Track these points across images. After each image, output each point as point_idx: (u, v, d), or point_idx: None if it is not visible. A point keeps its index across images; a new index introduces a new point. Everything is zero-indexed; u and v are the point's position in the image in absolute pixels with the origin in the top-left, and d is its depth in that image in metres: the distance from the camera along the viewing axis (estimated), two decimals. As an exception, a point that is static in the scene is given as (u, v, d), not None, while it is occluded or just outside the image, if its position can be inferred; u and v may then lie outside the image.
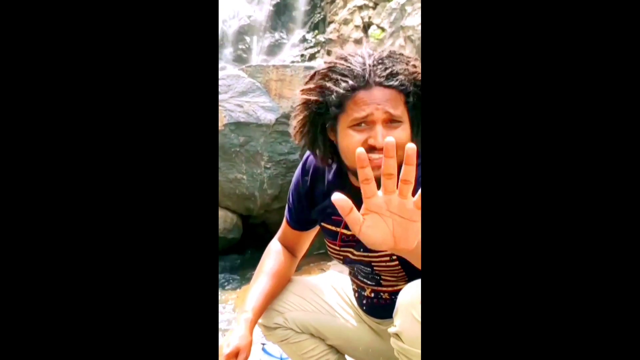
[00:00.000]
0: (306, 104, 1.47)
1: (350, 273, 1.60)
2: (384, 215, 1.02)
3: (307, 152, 1.60)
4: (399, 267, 1.41)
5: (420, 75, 1.39)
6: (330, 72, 1.45)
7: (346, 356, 1.67)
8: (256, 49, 11.72)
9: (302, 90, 1.50)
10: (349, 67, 1.42)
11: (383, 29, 10.19)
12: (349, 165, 1.43)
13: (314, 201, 1.57)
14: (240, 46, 11.66)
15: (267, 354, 2.12)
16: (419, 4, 9.81)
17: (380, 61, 1.42)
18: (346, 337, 1.62)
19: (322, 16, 11.66)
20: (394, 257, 1.39)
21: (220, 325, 2.90)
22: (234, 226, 3.91)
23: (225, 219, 3.79)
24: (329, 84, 1.43)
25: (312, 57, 11.10)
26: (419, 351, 1.24)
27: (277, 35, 11.63)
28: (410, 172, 0.97)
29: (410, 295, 1.29)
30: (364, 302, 1.58)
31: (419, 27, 9.54)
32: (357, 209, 1.41)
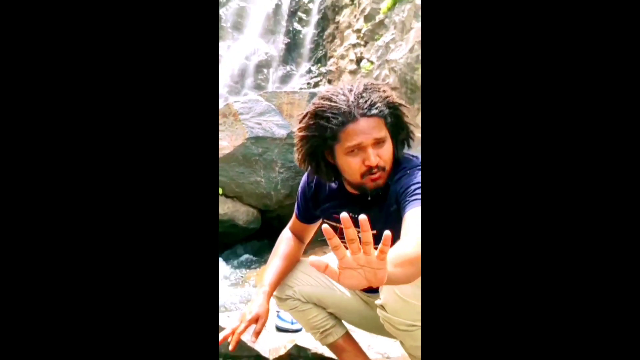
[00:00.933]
0: (304, 139, 1.47)
1: None
2: (355, 269, 1.02)
3: (304, 179, 1.63)
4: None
5: (392, 97, 1.41)
6: (319, 111, 1.44)
7: (342, 321, 1.67)
8: (272, 78, 11.73)
9: (299, 129, 1.50)
10: (336, 105, 1.42)
11: (372, 62, 10.18)
12: (349, 181, 1.45)
13: (318, 203, 1.58)
14: (259, 76, 11.67)
15: (280, 319, 2.13)
16: (401, 42, 9.82)
17: (360, 95, 1.43)
18: (342, 306, 1.62)
19: (324, 52, 11.66)
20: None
21: (243, 299, 2.87)
22: (255, 218, 3.92)
23: (248, 212, 3.81)
24: (322, 122, 1.43)
25: (316, 84, 11.16)
26: (399, 319, 1.28)
27: (288, 67, 11.66)
28: (367, 236, 0.97)
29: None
30: None
31: (401, 60, 9.57)
32: (349, 210, 1.44)
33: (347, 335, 1.65)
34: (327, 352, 1.81)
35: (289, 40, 11.77)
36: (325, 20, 11.55)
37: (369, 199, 1.45)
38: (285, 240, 1.78)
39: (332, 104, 1.43)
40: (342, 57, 10.97)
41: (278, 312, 2.13)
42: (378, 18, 10.22)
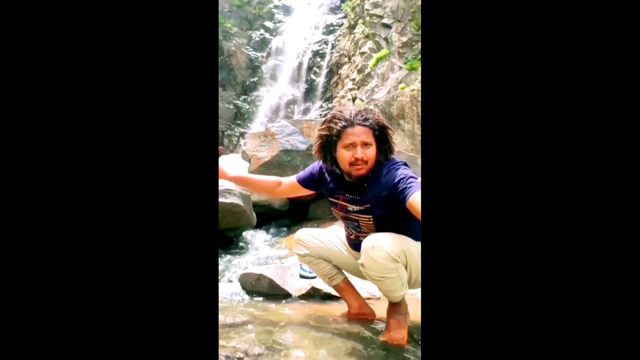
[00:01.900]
0: (320, 137, 1.47)
1: (345, 226, 1.59)
2: None
3: (317, 162, 1.61)
4: (372, 224, 1.41)
5: (381, 120, 1.42)
6: (332, 119, 1.45)
7: (342, 270, 1.66)
8: (296, 111, 11.74)
9: (319, 129, 1.51)
10: (342, 115, 1.42)
11: (362, 100, 10.15)
12: (342, 168, 1.43)
13: (322, 183, 1.56)
14: (288, 110, 11.71)
15: (302, 270, 2.12)
16: (382, 87, 9.79)
17: (359, 112, 1.44)
18: (341, 260, 1.62)
19: (330, 94, 11.65)
20: (371, 218, 1.39)
21: (277, 256, 2.85)
22: (285, 203, 3.90)
23: (280, 200, 3.80)
24: (332, 125, 1.43)
25: (325, 115, 11.19)
26: (373, 273, 1.31)
27: (307, 104, 11.70)
28: None
29: (367, 242, 1.31)
30: (350, 241, 1.57)
31: (382, 99, 9.56)
32: (342, 193, 1.46)
33: (346, 280, 1.64)
34: (333, 292, 1.80)
35: (307, 86, 11.84)
36: (331, 73, 11.57)
37: (353, 182, 1.44)
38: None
39: (340, 114, 1.45)
40: (343, 97, 11.02)
41: (301, 265, 2.12)
42: (366, 71, 10.20)
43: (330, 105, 11.20)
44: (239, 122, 12.13)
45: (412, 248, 1.31)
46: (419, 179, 1.29)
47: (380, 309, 1.56)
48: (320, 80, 11.87)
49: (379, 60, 10.23)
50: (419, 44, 9.79)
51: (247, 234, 3.31)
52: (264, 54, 12.74)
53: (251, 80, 12.66)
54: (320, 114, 11.27)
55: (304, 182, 1.61)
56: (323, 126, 1.50)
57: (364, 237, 1.38)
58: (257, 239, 3.30)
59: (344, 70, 11.31)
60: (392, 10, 10.05)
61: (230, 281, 2.21)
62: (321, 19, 12.62)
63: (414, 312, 1.48)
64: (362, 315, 1.57)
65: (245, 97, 12.58)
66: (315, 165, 1.60)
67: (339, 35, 11.77)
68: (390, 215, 1.36)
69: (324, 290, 1.91)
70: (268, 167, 3.59)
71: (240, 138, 11.79)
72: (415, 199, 1.21)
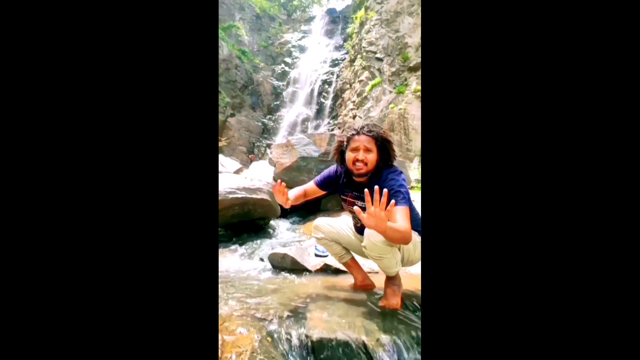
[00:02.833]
0: (338, 142, 1.48)
1: (352, 217, 1.56)
2: (371, 217, 1.07)
3: (334, 165, 1.57)
4: None
5: (384, 133, 1.40)
6: (347, 129, 1.47)
7: (350, 251, 1.63)
8: (310, 126, 11.73)
9: (337, 137, 1.51)
10: (353, 127, 1.45)
11: (361, 117, 10.09)
12: (348, 168, 1.42)
13: (337, 182, 1.53)
14: (303, 126, 11.71)
15: (317, 250, 2.10)
16: (376, 107, 9.71)
17: (365, 125, 1.43)
18: (349, 243, 1.59)
19: (336, 113, 11.61)
20: None
21: (296, 240, 2.83)
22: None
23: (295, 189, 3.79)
24: (345, 134, 1.45)
25: (332, 129, 11.18)
26: (372, 253, 1.27)
27: (318, 121, 11.68)
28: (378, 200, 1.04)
29: (368, 230, 1.26)
30: (357, 228, 1.54)
31: (376, 116, 9.51)
32: (351, 191, 1.44)
33: (353, 258, 1.62)
34: (342, 268, 1.78)
35: (318, 107, 11.85)
36: (336, 97, 11.54)
37: (360, 182, 1.41)
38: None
39: (352, 126, 1.48)
40: (346, 115, 11.00)
41: (316, 246, 2.10)
42: (364, 95, 10.13)
43: (336, 122, 11.20)
44: (265, 135, 12.18)
45: None
46: (406, 188, 1.30)
47: (379, 281, 1.54)
48: (328, 103, 11.85)
49: (373, 86, 10.15)
50: (405, 73, 9.71)
51: (273, 222, 3.30)
52: (285, 83, 12.77)
53: (275, 103, 12.71)
54: (329, 129, 11.28)
55: (322, 185, 1.57)
56: (340, 135, 1.51)
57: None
58: (280, 226, 3.29)
59: (346, 95, 11.26)
60: (383, 47, 9.98)
61: (261, 259, 2.20)
62: (328, 55, 12.62)
63: (406, 284, 1.46)
64: (365, 286, 1.55)
65: (270, 116, 12.64)
66: (332, 168, 1.58)
67: (342, 67, 11.73)
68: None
69: (334, 266, 1.89)
70: (289, 170, 3.58)
71: (267, 148, 11.84)
72: (399, 209, 1.22)
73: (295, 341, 0.99)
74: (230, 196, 2.50)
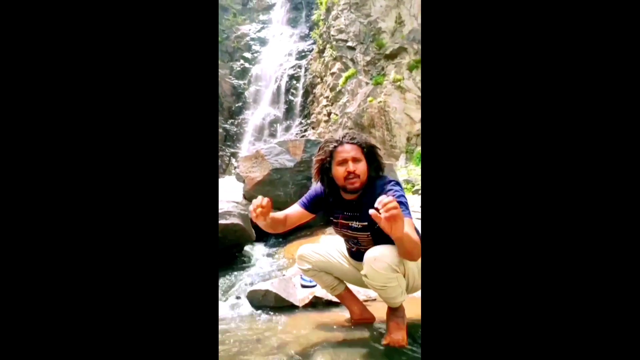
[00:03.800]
0: (317, 161, 1.44)
1: (344, 241, 1.54)
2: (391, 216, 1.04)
3: (318, 184, 1.54)
4: (371, 239, 1.36)
5: (369, 141, 1.40)
6: (325, 143, 1.44)
7: (343, 280, 1.60)
8: (279, 129, 11.69)
9: (316, 156, 1.47)
10: (333, 138, 1.42)
11: (337, 114, 10.17)
12: (339, 185, 1.38)
13: (327, 204, 1.48)
14: (271, 129, 11.66)
15: (303, 279, 2.05)
16: (353, 101, 9.84)
17: (347, 134, 1.42)
18: (342, 272, 1.55)
19: (308, 111, 11.65)
20: (369, 235, 1.35)
21: (276, 267, 2.77)
22: (279, 216, 3.85)
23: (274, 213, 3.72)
24: (325, 148, 1.41)
25: (305, 130, 11.18)
26: (374, 282, 1.24)
27: (288, 122, 11.67)
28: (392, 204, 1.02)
29: (369, 255, 1.24)
30: (351, 253, 1.51)
31: (353, 112, 9.62)
32: (341, 212, 1.40)
33: (347, 289, 1.58)
34: (334, 299, 1.74)
35: (287, 106, 11.83)
36: (307, 93, 11.58)
37: (351, 200, 1.38)
38: (279, 215, 1.43)
39: (331, 138, 1.43)
40: (319, 113, 11.03)
41: (301, 275, 2.05)
42: (338, 89, 10.23)
43: (308, 121, 11.21)
44: (228, 143, 11.97)
45: None
46: (406, 199, 1.27)
47: (378, 311, 1.51)
48: (298, 100, 11.86)
49: (347, 78, 10.28)
50: (381, 62, 9.90)
51: (248, 248, 3.21)
52: (246, 82, 12.66)
53: (236, 105, 12.55)
54: (301, 130, 11.27)
55: (310, 206, 1.49)
56: (319, 152, 1.46)
57: (364, 249, 1.33)
58: (256, 252, 3.21)
59: (317, 90, 11.32)
60: (355, 35, 10.15)
61: (238, 297, 2.12)
62: (293, 46, 12.66)
63: (413, 311, 1.44)
64: (364, 320, 1.51)
65: (232, 120, 12.47)
66: (318, 186, 1.54)
67: (310, 59, 11.80)
68: None
69: (325, 298, 1.84)
70: (261, 186, 3.51)
71: (232, 158, 11.64)
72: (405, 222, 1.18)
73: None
74: (194, 225, 2.40)
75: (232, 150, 11.69)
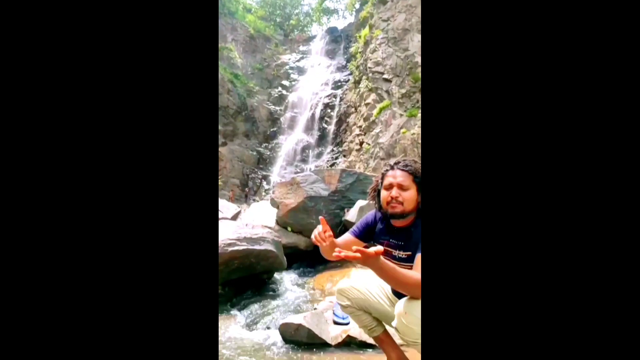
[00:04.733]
0: (374, 184, 1.45)
1: None
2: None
3: (372, 211, 1.51)
4: None
5: (419, 167, 1.37)
6: (383, 172, 1.44)
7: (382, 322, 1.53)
8: (311, 155, 11.83)
9: (375, 180, 1.47)
10: (389, 164, 1.42)
11: (369, 144, 10.20)
12: (383, 208, 1.37)
13: (375, 231, 1.46)
14: (303, 155, 11.82)
15: (336, 316, 1.98)
16: (386, 132, 9.86)
17: (400, 160, 1.43)
18: (381, 312, 1.49)
19: (340, 139, 11.75)
20: (412, 267, 1.29)
21: (301, 300, 2.70)
22: (310, 244, 3.78)
23: (306, 241, 3.67)
24: (382, 174, 1.43)
25: (336, 158, 11.27)
26: (406, 338, 1.19)
27: (320, 149, 11.80)
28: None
29: (399, 308, 1.20)
30: (394, 291, 1.45)
31: (386, 142, 9.62)
32: (387, 238, 1.36)
33: (386, 331, 1.50)
34: (369, 340, 1.66)
35: (320, 134, 12.03)
36: (340, 122, 11.74)
37: (401, 225, 1.35)
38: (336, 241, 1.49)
39: (387, 165, 1.43)
40: (351, 141, 11.12)
41: (334, 311, 1.99)
42: (371, 119, 10.30)
43: (340, 149, 11.31)
44: (261, 166, 12.24)
45: None
46: None
47: (417, 358, 1.42)
48: (331, 128, 12.03)
49: (382, 109, 10.34)
50: (416, 95, 9.94)
51: (277, 276, 3.18)
52: (282, 108, 13.06)
53: (271, 130, 12.91)
54: (332, 157, 11.37)
55: (362, 234, 1.48)
56: (376, 177, 1.49)
57: None
58: (285, 280, 3.16)
59: (351, 119, 11.46)
60: (391, 68, 10.29)
61: (268, 328, 2.07)
62: (330, 76, 13.00)
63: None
64: (401, 368, 1.42)
65: (267, 144, 12.79)
66: (370, 214, 1.52)
67: (346, 89, 12.04)
68: None
69: (359, 339, 1.76)
70: (295, 212, 3.51)
71: (263, 180, 11.86)
72: (420, 256, 1.16)
73: None
74: (230, 249, 2.41)
75: (264, 173, 11.92)
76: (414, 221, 1.33)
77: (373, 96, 10.44)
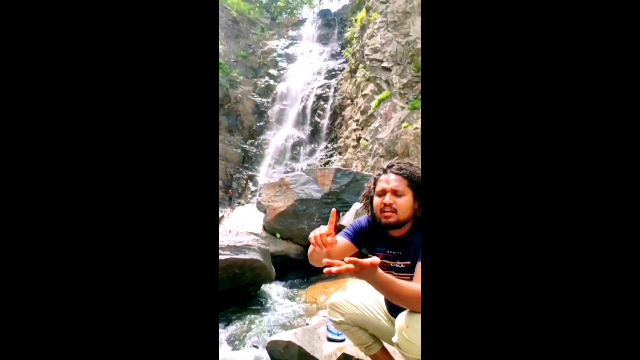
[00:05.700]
0: (367, 189, 1.44)
1: None
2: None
3: (365, 215, 1.54)
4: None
5: (418, 172, 1.37)
6: (376, 174, 1.43)
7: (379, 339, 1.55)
8: (302, 153, 11.86)
9: (367, 186, 1.49)
10: (382, 167, 1.40)
11: (367, 140, 10.25)
12: (376, 216, 1.37)
13: (368, 237, 1.48)
14: (294, 152, 11.86)
15: (330, 332, 2.00)
16: (385, 126, 9.91)
17: (394, 163, 1.40)
18: (378, 328, 1.50)
19: (335, 135, 11.79)
20: (412, 277, 1.32)
21: (292, 314, 2.72)
22: (302, 252, 3.79)
23: (297, 249, 3.70)
24: (375, 178, 1.40)
25: (331, 156, 11.31)
26: (408, 354, 1.19)
27: (312, 145, 11.84)
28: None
29: (400, 321, 1.20)
30: (389, 306, 1.47)
31: (386, 138, 9.67)
32: (383, 250, 1.38)
33: (383, 349, 1.52)
34: (366, 359, 1.68)
35: (312, 128, 12.05)
36: (335, 115, 11.78)
37: (398, 235, 1.35)
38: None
39: (380, 168, 1.41)
40: (347, 137, 11.16)
41: (328, 326, 2.00)
42: (369, 112, 10.36)
43: (335, 146, 11.35)
44: (246, 165, 12.21)
45: None
46: None
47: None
48: (325, 122, 12.06)
49: (381, 101, 10.41)
50: (419, 85, 10.01)
51: (265, 287, 3.19)
52: (269, 100, 13.05)
53: (258, 124, 12.89)
54: (326, 155, 11.40)
55: (356, 238, 1.46)
56: (369, 183, 1.50)
57: None
58: (274, 292, 3.18)
59: (347, 112, 11.50)
60: (391, 55, 10.35)
61: (255, 347, 2.08)
62: (323, 64, 13.02)
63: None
64: (402, 388, 1.45)
65: (252, 140, 12.77)
66: (362, 218, 1.53)
67: (341, 79, 12.08)
68: None
69: (356, 357, 1.78)
70: (284, 217, 3.53)
71: (249, 181, 11.84)
72: (420, 265, 1.16)
73: None
74: (211, 259, 2.42)
75: (250, 172, 11.91)
76: (411, 229, 1.35)
77: (371, 86, 10.50)
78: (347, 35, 12.58)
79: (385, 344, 1.53)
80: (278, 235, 3.59)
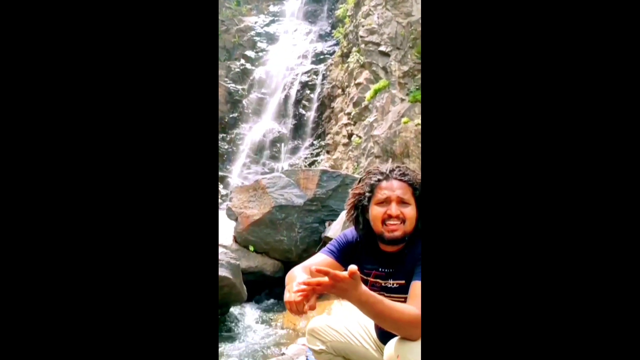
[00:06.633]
0: (353, 195, 1.45)
1: None
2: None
3: (351, 228, 1.55)
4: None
5: (419, 177, 1.39)
6: (367, 174, 1.47)
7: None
8: (283, 150, 11.87)
9: (353, 188, 1.49)
10: (378, 170, 1.44)
11: (360, 137, 10.33)
12: (375, 230, 1.38)
13: (356, 252, 1.48)
14: (274, 149, 11.85)
15: (310, 362, 2.01)
16: (382, 121, 10.00)
17: (396, 167, 1.43)
18: (363, 357, 1.54)
19: (322, 130, 11.84)
20: (406, 298, 1.35)
21: (267, 342, 2.73)
22: (279, 269, 3.80)
23: (274, 264, 3.71)
24: (366, 181, 1.43)
25: (317, 154, 11.35)
26: None
27: (295, 142, 11.86)
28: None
29: (389, 350, 1.25)
30: (379, 332, 1.50)
31: (382, 135, 9.76)
32: (375, 267, 1.40)
33: (369, 379, 1.55)
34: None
35: (296, 122, 12.05)
36: (323, 106, 11.83)
37: (390, 252, 1.38)
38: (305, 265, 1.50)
39: (375, 169, 1.45)
40: (337, 133, 11.21)
41: (307, 357, 2.02)
42: (363, 104, 10.44)
43: (322, 143, 11.38)
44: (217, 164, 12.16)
45: None
46: None
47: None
48: (311, 115, 12.09)
49: (377, 91, 10.49)
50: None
51: (235, 310, 3.19)
52: (245, 87, 13.01)
53: (230, 116, 12.83)
54: (312, 154, 11.42)
55: (339, 256, 1.46)
56: (357, 184, 1.49)
57: None
58: (247, 316, 3.17)
59: (337, 104, 11.56)
60: (390, 37, 10.44)
61: (221, 381, 2.08)
62: (310, 47, 13.05)
63: None
64: None
65: (224, 135, 12.69)
66: (348, 231, 1.54)
67: (331, 64, 12.14)
68: None
69: (340, 392, 1.80)
70: (259, 227, 3.53)
71: (219, 184, 11.77)
72: (416, 285, 1.20)
73: None
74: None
75: (222, 173, 11.83)
76: (406, 243, 1.37)
77: (366, 74, 10.59)
78: (338, 13, 12.64)
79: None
80: (251, 248, 3.59)
